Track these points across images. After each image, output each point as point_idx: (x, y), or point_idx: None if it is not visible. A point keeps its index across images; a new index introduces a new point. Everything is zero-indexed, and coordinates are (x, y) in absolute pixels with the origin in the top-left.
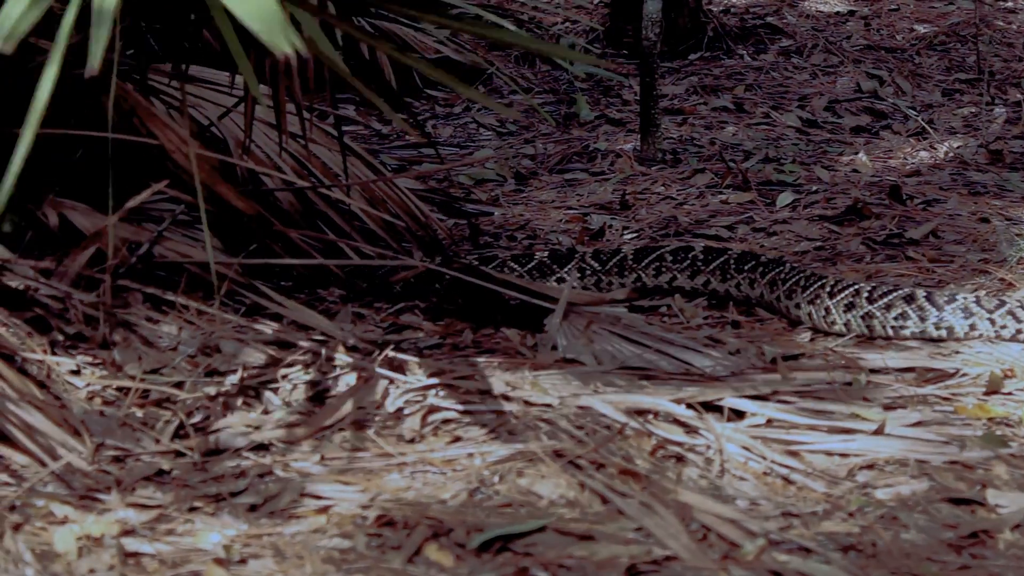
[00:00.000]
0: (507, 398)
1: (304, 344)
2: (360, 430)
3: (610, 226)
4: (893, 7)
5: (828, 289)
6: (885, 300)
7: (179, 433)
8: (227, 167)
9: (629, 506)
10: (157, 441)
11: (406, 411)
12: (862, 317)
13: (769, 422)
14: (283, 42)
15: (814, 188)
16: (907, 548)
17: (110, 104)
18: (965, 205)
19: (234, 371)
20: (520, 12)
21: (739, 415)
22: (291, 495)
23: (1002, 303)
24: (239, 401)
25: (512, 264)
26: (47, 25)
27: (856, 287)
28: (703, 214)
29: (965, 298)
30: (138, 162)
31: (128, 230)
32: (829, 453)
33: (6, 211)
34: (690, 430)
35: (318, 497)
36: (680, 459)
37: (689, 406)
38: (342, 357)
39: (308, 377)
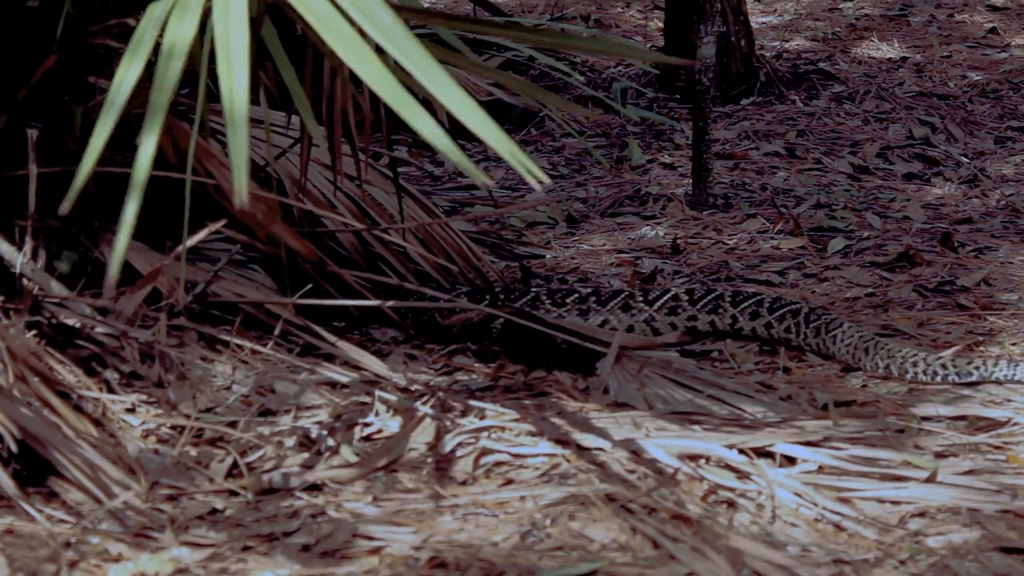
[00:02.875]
0: (559, 441)
1: (357, 385)
2: (412, 471)
3: (661, 270)
4: (946, 54)
5: None
6: None
7: (233, 472)
8: (282, 207)
9: (680, 551)
10: (211, 480)
11: (458, 453)
12: None
13: (820, 468)
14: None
15: (865, 235)
16: None
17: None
18: (1017, 253)
19: (288, 411)
20: (573, 55)
21: (791, 461)
22: (344, 536)
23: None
24: (292, 441)
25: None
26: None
27: None
28: (754, 259)
29: None
30: (194, 201)
31: (184, 269)
32: (881, 500)
33: (62, 249)
34: (742, 475)
35: (370, 538)
36: (732, 504)
37: (741, 451)
38: (395, 398)
39: (361, 418)
